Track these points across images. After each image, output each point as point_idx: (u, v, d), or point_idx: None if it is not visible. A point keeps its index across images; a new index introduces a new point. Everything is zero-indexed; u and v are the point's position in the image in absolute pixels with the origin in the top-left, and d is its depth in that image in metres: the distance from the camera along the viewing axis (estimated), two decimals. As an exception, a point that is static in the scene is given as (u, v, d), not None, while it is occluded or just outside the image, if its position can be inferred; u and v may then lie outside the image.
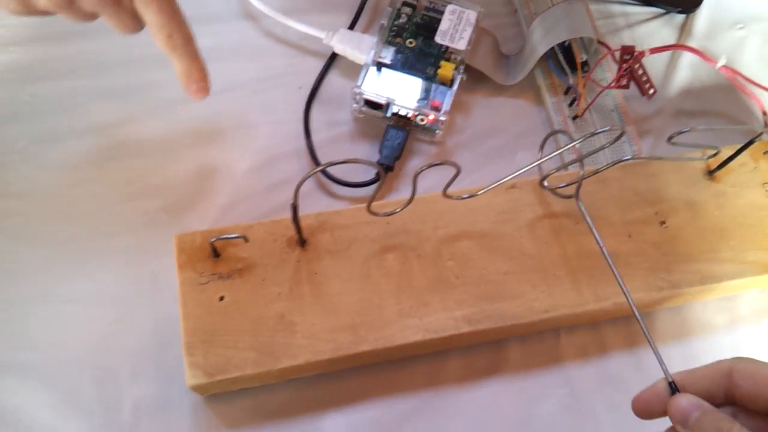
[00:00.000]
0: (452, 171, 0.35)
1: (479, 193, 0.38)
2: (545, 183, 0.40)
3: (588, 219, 0.37)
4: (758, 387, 0.29)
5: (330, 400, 0.40)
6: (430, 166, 0.34)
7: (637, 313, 0.34)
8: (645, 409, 0.31)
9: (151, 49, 0.46)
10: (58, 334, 0.40)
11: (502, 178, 0.38)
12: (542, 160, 0.39)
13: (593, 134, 0.36)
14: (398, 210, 0.38)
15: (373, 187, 0.44)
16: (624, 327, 0.42)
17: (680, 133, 0.37)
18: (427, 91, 0.45)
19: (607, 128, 0.35)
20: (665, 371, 0.31)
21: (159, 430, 0.39)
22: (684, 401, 0.29)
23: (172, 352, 0.40)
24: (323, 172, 0.44)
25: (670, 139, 0.37)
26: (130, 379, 0.39)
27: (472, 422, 0.40)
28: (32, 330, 0.40)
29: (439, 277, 0.39)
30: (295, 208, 0.36)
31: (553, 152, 0.38)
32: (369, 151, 0.46)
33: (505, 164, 0.46)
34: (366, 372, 0.40)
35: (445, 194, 0.38)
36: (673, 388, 0.30)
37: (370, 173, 0.45)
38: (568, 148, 0.42)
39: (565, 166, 0.43)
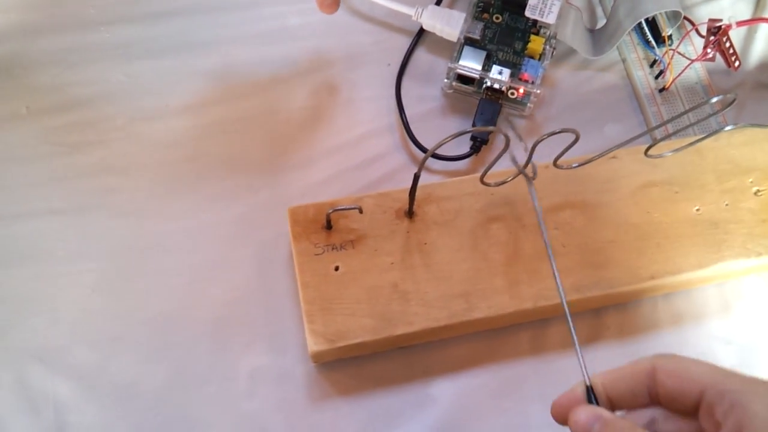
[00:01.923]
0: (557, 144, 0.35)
1: (588, 161, 0.39)
2: (650, 152, 0.40)
3: (536, 204, 0.37)
4: (682, 384, 0.28)
5: (437, 367, 0.41)
6: (552, 134, 0.34)
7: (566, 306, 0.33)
8: (563, 414, 0.29)
9: (243, 29, 0.48)
10: (169, 307, 0.41)
11: (608, 149, 0.39)
12: (654, 128, 0.39)
13: (706, 102, 0.36)
14: (510, 179, 0.39)
15: (467, 160, 0.45)
16: (718, 294, 0.43)
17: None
18: (516, 65, 0.45)
19: (720, 96, 0.36)
20: (584, 374, 0.30)
21: (275, 398, 0.39)
22: (582, 415, 0.28)
23: (283, 323, 0.41)
24: (418, 145, 0.45)
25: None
26: (243, 349, 0.40)
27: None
28: (144, 304, 0.41)
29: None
30: (416, 179, 0.36)
31: (660, 122, 0.39)
32: (460, 125, 0.47)
33: (594, 136, 0.47)
34: (470, 340, 0.41)
35: (555, 163, 0.38)
36: (590, 392, 0.29)
37: (463, 147, 0.45)
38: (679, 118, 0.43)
39: (653, 139, 0.44)
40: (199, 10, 0.48)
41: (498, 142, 0.46)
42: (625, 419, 0.28)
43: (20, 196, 0.43)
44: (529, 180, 0.37)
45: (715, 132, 0.39)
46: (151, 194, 0.43)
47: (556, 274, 0.34)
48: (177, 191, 0.43)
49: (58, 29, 0.47)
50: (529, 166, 0.37)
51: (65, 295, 0.41)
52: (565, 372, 0.41)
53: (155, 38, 0.47)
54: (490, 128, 0.33)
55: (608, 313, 0.42)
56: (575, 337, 0.32)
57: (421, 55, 0.48)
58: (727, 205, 0.42)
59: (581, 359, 0.31)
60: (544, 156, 0.37)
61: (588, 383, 0.29)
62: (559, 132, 0.34)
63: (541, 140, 0.35)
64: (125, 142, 0.44)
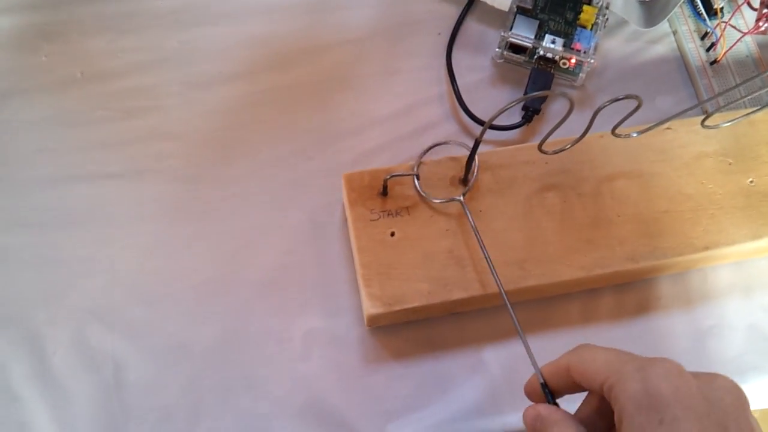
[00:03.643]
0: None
1: (646, 130, 0.39)
2: (706, 123, 0.40)
3: (470, 218, 0.38)
4: (588, 379, 0.28)
5: (489, 334, 0.41)
6: (615, 100, 0.34)
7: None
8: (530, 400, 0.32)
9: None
10: (224, 269, 0.41)
11: (665, 119, 0.39)
12: (706, 100, 0.39)
13: (758, 76, 0.36)
14: (568, 147, 0.39)
15: (518, 130, 0.45)
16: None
17: None
18: (568, 35, 0.45)
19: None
20: (535, 368, 0.32)
21: (330, 359, 0.40)
22: (527, 416, 0.30)
23: (337, 287, 0.41)
24: (469, 114, 0.45)
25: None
26: (298, 312, 0.41)
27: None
28: (199, 266, 0.41)
29: (600, 215, 0.40)
30: (476, 145, 0.37)
31: (713, 95, 0.39)
32: (511, 95, 0.47)
33: (645, 108, 0.45)
34: (522, 307, 0.41)
35: (614, 132, 0.38)
36: (544, 388, 0.31)
37: (514, 117, 0.45)
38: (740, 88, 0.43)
39: (704, 111, 0.44)
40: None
41: (549, 113, 0.46)
42: (557, 411, 0.30)
43: (76, 159, 0.43)
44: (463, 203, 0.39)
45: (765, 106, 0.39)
46: (206, 159, 0.44)
47: (493, 269, 0.37)
48: (231, 157, 0.44)
49: (112, -6, 0.47)
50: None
51: (122, 257, 0.41)
52: (614, 342, 0.41)
53: (208, 5, 0.47)
54: (557, 92, 0.33)
55: (660, 283, 0.42)
56: (520, 329, 0.35)
57: (471, 24, 0.48)
58: (781, 177, 0.42)
59: (531, 354, 0.34)
60: (594, 126, 0.37)
61: (541, 380, 0.32)
62: (622, 98, 0.34)
63: (604, 107, 0.35)
64: (180, 108, 0.45)
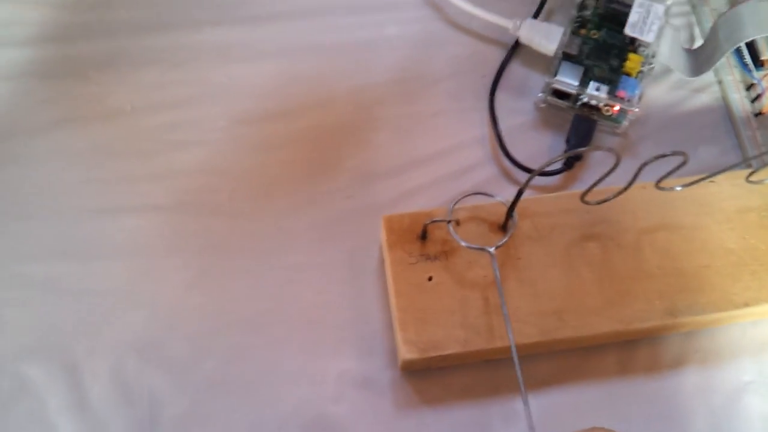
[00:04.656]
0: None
1: (691, 183, 0.39)
2: (752, 178, 0.40)
3: (496, 272, 0.38)
4: None
5: (525, 383, 0.41)
6: (660, 156, 0.34)
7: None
8: None
9: (342, 36, 0.49)
10: (261, 306, 0.42)
11: (711, 173, 0.38)
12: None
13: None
14: (611, 198, 0.39)
15: (559, 176, 0.45)
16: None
17: None
18: (612, 82, 0.45)
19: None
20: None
21: (361, 402, 0.40)
22: None
23: (372, 329, 0.41)
24: (510, 158, 0.45)
25: None
26: (332, 353, 0.41)
27: (660, 412, 0.41)
28: (237, 301, 0.42)
29: (640, 267, 0.40)
30: (520, 194, 0.37)
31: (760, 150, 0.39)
32: (553, 140, 0.47)
33: None
34: (557, 357, 0.41)
35: (658, 185, 0.38)
36: None
37: (555, 162, 0.45)
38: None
39: (748, 160, 0.44)
40: (300, 15, 0.49)
41: (591, 159, 0.46)
42: None
43: (121, 190, 0.44)
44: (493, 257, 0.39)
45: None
46: (248, 195, 0.44)
47: (506, 317, 0.37)
48: (273, 193, 0.44)
49: (164, 28, 0.48)
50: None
51: (162, 290, 0.42)
52: (650, 395, 0.41)
53: (257, 41, 0.48)
54: (603, 148, 0.33)
55: (698, 336, 0.42)
56: (523, 388, 0.36)
57: (515, 67, 0.49)
58: (830, 227, 0.41)
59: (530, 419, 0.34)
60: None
61: None
62: (669, 155, 0.34)
63: (650, 162, 0.34)
64: (225, 143, 0.45)
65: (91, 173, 0.45)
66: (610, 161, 0.34)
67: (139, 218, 0.43)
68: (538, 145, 0.46)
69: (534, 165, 0.45)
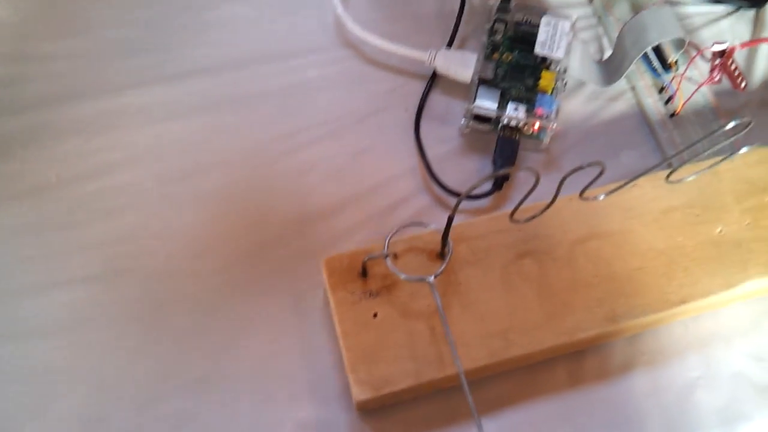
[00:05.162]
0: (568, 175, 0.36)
1: (613, 191, 0.40)
2: (671, 178, 0.41)
3: (438, 301, 0.39)
4: None
5: (479, 406, 0.41)
6: (577, 169, 0.35)
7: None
8: None
9: (265, 84, 0.49)
10: (209, 365, 0.41)
11: (632, 177, 0.40)
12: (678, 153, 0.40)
13: (722, 128, 0.37)
14: (539, 214, 0.39)
15: (489, 198, 0.46)
16: (746, 312, 0.44)
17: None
18: (530, 101, 0.47)
19: (736, 122, 0.37)
20: None
21: (322, 448, 0.40)
22: None
23: (322, 373, 0.41)
24: (441, 186, 0.46)
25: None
26: (286, 403, 0.41)
27: (615, 418, 0.41)
28: (185, 364, 0.41)
29: (576, 277, 0.41)
30: (450, 222, 0.37)
31: (677, 150, 0.40)
32: (480, 163, 0.48)
33: (610, 164, 0.46)
34: (509, 376, 0.42)
35: (582, 196, 0.39)
36: None
37: (485, 184, 0.46)
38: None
39: (669, 165, 0.45)
40: (221, 68, 0.49)
41: (518, 178, 0.47)
42: None
43: (55, 265, 0.43)
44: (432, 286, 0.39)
45: (731, 155, 0.40)
46: (185, 254, 0.44)
47: (452, 344, 0.37)
48: (209, 249, 0.44)
49: (84, 96, 0.48)
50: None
51: (105, 361, 0.41)
52: (603, 402, 0.42)
53: (179, 98, 0.48)
54: (522, 169, 0.34)
55: (642, 338, 0.43)
56: (476, 414, 0.36)
57: (436, 97, 0.50)
58: (748, 224, 0.43)
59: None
60: (563, 188, 0.38)
61: None
62: (585, 167, 0.35)
63: (568, 176, 0.36)
64: (157, 205, 0.45)
65: (23, 251, 0.44)
66: (543, 178, 0.35)
67: (75, 291, 0.43)
68: (466, 170, 0.47)
69: (464, 189, 0.46)
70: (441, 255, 0.41)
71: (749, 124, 0.38)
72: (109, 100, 0.48)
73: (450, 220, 0.37)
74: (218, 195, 0.46)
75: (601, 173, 0.36)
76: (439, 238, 0.41)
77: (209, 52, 0.50)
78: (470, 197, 0.46)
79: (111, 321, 0.42)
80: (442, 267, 0.40)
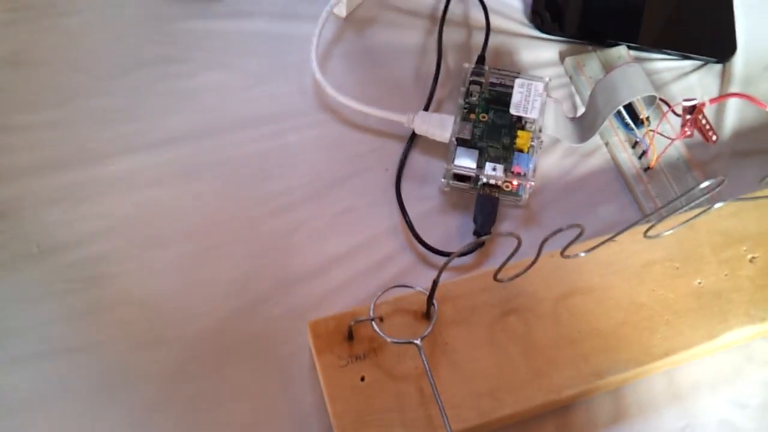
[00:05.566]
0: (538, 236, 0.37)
1: (593, 248, 0.41)
2: (649, 233, 0.42)
3: (425, 363, 0.39)
4: None
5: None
6: (557, 231, 0.36)
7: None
8: None
9: (245, 149, 0.50)
10: (197, 433, 0.41)
11: (611, 234, 0.41)
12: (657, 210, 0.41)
13: (697, 187, 0.38)
14: (521, 273, 0.40)
15: (472, 255, 0.47)
16: (728, 360, 0.44)
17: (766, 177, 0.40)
18: (507, 160, 0.48)
19: (711, 181, 0.38)
20: None
21: None
22: None
23: (314, 438, 0.41)
24: (424, 244, 0.46)
25: (760, 181, 0.41)
26: (276, 470, 0.40)
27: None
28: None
29: (561, 334, 0.41)
30: (435, 285, 0.38)
31: (656, 207, 0.41)
32: (461, 221, 0.48)
33: (588, 219, 0.49)
34: (498, 434, 0.42)
35: (563, 254, 0.40)
36: None
37: (467, 241, 0.47)
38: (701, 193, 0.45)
39: (646, 216, 0.46)
40: (201, 134, 0.50)
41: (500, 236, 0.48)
42: None
43: (37, 336, 0.43)
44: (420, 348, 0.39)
45: (707, 210, 0.41)
46: (170, 322, 0.44)
47: (441, 407, 0.37)
48: (192, 316, 0.44)
49: (65, 166, 0.48)
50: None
51: (91, 433, 0.41)
52: None
53: (160, 166, 0.49)
54: (503, 233, 0.35)
55: (628, 390, 0.43)
56: None
57: (415, 157, 0.51)
58: (726, 275, 0.44)
59: None
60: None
61: None
62: (565, 229, 0.36)
63: (549, 238, 0.36)
64: (139, 272, 0.45)
65: (4, 322, 0.43)
66: (518, 233, 0.36)
67: (59, 362, 0.42)
68: (448, 228, 0.48)
69: (447, 247, 0.47)
70: (427, 315, 0.41)
71: (722, 182, 0.39)
72: (91, 169, 0.48)
73: (435, 283, 0.38)
74: (202, 260, 0.46)
75: (580, 234, 0.37)
76: (424, 298, 0.41)
77: (189, 119, 0.51)
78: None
79: (100, 392, 0.42)
80: (429, 329, 0.40)
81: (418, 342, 0.39)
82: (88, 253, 0.46)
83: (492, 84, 0.51)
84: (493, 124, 0.49)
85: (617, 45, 0.56)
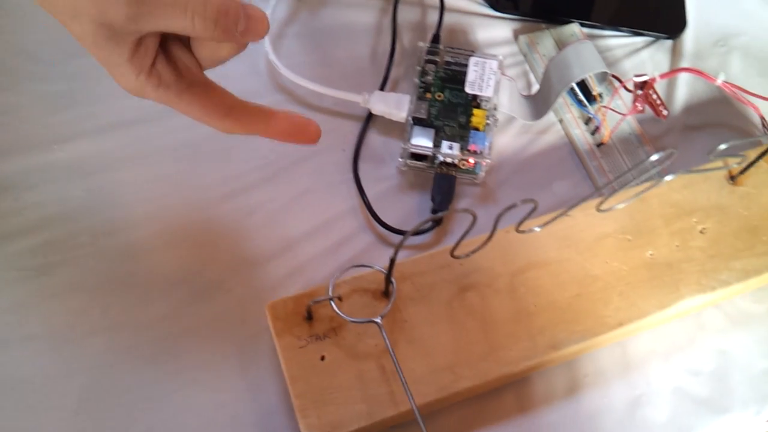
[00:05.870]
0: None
1: (547, 222, 0.41)
2: (601, 207, 0.43)
3: (387, 341, 0.39)
4: None
5: (432, 441, 0.41)
6: (511, 207, 0.36)
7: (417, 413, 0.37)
8: None
9: (199, 132, 0.49)
10: (157, 419, 0.41)
11: (565, 208, 0.41)
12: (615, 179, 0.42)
13: (647, 160, 0.39)
14: (479, 248, 0.40)
15: (430, 233, 0.47)
16: (681, 329, 0.46)
17: (716, 149, 0.41)
18: (463, 138, 0.48)
19: (661, 154, 0.38)
20: None
21: (276, 497, 0.39)
22: None
23: (273, 420, 0.41)
24: (382, 224, 0.47)
25: (709, 153, 0.41)
26: (239, 453, 0.40)
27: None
28: (131, 420, 0.40)
29: (518, 307, 0.42)
30: (392, 263, 0.38)
31: (607, 181, 0.42)
32: (419, 200, 0.48)
33: (544, 195, 0.49)
34: (458, 408, 0.42)
35: (518, 229, 0.40)
36: None
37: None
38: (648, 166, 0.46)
39: (599, 190, 0.47)
40: (152, 118, 0.49)
41: (457, 214, 0.48)
42: None
43: (-10, 325, 0.42)
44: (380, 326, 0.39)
45: (658, 182, 0.42)
46: (123, 307, 0.43)
47: (405, 383, 0.38)
48: (149, 300, 0.44)
49: (12, 152, 0.47)
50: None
51: (47, 422, 0.40)
52: (554, 425, 0.42)
53: (112, 150, 0.48)
54: (459, 210, 0.35)
55: (583, 361, 0.44)
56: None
57: (372, 137, 0.50)
58: (677, 246, 0.45)
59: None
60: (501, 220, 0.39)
61: None
62: (519, 204, 0.36)
63: (503, 213, 0.36)
64: (91, 259, 0.44)
65: (-48, 314, 0.42)
66: (476, 210, 0.36)
67: (12, 351, 0.41)
68: (406, 207, 0.48)
69: (406, 226, 0.47)
70: (385, 294, 0.42)
71: (671, 154, 0.40)
72: (39, 156, 0.47)
73: (392, 261, 0.38)
74: (155, 245, 0.45)
75: (534, 209, 0.37)
76: (382, 277, 0.41)
77: (140, 102, 0.49)
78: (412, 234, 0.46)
79: (51, 380, 0.41)
80: (388, 307, 0.40)
81: (378, 320, 0.39)
82: (39, 240, 0.45)
83: (447, 63, 0.51)
84: (449, 102, 0.49)
85: (570, 23, 0.56)
